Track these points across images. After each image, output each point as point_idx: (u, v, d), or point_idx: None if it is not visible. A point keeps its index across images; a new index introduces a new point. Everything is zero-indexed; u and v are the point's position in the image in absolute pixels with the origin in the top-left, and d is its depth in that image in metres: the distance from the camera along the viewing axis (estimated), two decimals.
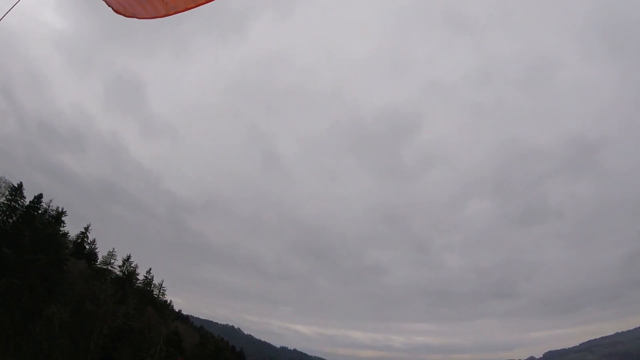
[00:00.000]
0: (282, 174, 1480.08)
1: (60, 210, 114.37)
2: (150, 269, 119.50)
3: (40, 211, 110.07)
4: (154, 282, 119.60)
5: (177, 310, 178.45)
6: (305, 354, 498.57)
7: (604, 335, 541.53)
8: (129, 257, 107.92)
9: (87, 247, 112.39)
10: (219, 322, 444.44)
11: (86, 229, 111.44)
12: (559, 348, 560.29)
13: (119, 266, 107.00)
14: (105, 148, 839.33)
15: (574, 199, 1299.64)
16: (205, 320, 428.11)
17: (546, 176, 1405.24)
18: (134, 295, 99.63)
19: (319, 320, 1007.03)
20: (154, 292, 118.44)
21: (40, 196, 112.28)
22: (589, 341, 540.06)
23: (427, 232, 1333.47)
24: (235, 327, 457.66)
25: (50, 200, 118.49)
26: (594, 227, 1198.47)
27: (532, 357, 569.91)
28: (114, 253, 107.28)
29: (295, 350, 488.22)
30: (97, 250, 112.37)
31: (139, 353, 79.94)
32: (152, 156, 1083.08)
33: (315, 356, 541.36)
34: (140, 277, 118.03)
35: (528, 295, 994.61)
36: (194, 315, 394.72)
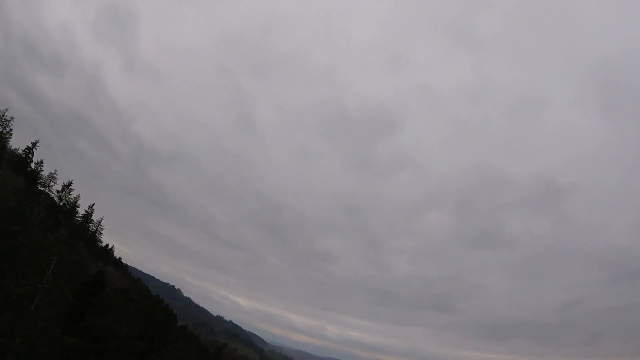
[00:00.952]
0: (254, 139, 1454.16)
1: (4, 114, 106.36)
2: (93, 204, 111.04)
3: None
4: (93, 218, 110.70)
5: (117, 257, 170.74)
6: (240, 327, 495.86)
7: None
8: (69, 183, 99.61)
9: (33, 167, 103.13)
10: (161, 280, 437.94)
11: (33, 144, 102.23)
12: None
13: (57, 191, 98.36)
14: (83, 77, 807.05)
15: (529, 234, 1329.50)
16: (147, 274, 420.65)
17: (508, 206, 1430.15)
18: (68, 227, 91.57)
19: (260, 296, 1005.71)
20: (90, 229, 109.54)
21: None
22: None
23: (383, 232, 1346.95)
24: (176, 287, 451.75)
25: (6, 109, 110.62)
26: (542, 265, 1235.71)
27: None
28: (55, 176, 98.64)
29: (230, 321, 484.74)
30: (41, 172, 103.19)
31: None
32: (128, 94, 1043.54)
33: (249, 331, 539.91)
34: (81, 211, 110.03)
35: (465, 314, 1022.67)
36: (137, 268, 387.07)
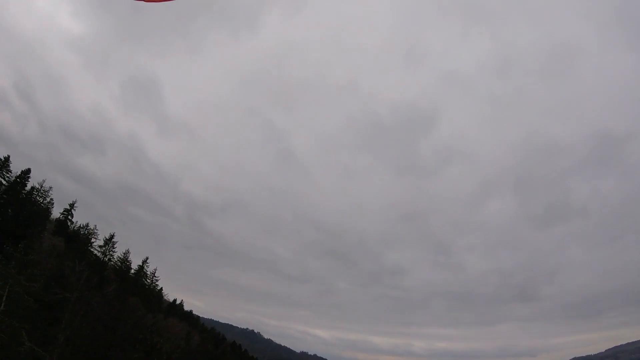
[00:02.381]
0: (298, 171, 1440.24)
1: (42, 185, 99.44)
2: (147, 258, 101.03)
3: (27, 188, 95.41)
4: (147, 272, 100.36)
5: (187, 310, 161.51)
6: None
7: (629, 341, 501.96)
8: (112, 237, 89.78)
9: (72, 227, 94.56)
10: (239, 326, 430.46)
11: (72, 205, 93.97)
12: (583, 355, 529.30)
13: (100, 246, 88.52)
14: (124, 149, 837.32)
15: (598, 196, 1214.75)
16: (224, 324, 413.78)
17: (568, 172, 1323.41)
18: (117, 282, 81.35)
19: (338, 324, 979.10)
20: (146, 283, 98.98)
21: (27, 171, 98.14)
22: (615, 347, 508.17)
23: (447, 232, 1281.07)
24: (255, 331, 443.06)
25: (44, 180, 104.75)
26: (619, 225, 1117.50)
27: None
28: (95, 231, 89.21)
29: (315, 355, 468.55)
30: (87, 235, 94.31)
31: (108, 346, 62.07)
32: (170, 156, 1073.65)
33: None
34: (134, 265, 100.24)
35: (550, 298, 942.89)
36: (213, 319, 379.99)
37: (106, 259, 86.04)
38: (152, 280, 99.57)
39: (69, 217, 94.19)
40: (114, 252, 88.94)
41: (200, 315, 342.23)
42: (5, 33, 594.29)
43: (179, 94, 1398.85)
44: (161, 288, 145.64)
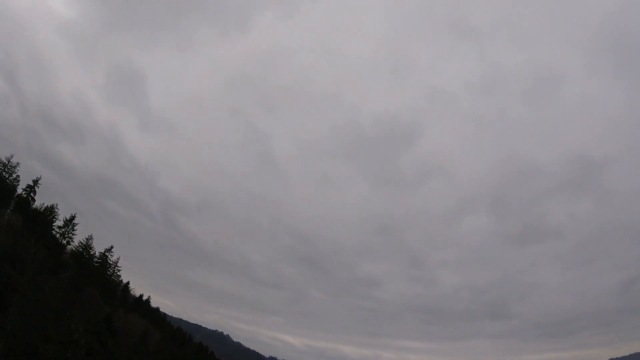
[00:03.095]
0: (278, 176, 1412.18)
1: (10, 161, 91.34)
2: (111, 247, 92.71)
3: None
4: (110, 260, 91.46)
5: (154, 307, 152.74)
6: None
7: None
8: (72, 217, 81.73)
9: (34, 205, 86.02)
10: (208, 327, 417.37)
11: (35, 182, 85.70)
12: None
13: (59, 227, 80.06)
14: (103, 140, 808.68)
15: (574, 219, 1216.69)
16: (194, 324, 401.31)
17: (546, 194, 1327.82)
18: (76, 269, 73.12)
19: (309, 332, 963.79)
20: (108, 272, 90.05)
21: None
22: None
23: (422, 246, 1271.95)
24: (225, 333, 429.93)
25: (11, 155, 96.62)
26: (593, 249, 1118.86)
27: None
28: (56, 211, 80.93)
29: None
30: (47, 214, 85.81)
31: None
32: (149, 151, 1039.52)
33: None
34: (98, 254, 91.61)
35: (522, 316, 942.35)
36: (183, 319, 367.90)
37: (64, 242, 77.57)
38: (113, 271, 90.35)
39: (31, 194, 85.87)
40: (73, 234, 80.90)
41: (169, 315, 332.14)
42: None
43: (163, 88, 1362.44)
44: (127, 282, 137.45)
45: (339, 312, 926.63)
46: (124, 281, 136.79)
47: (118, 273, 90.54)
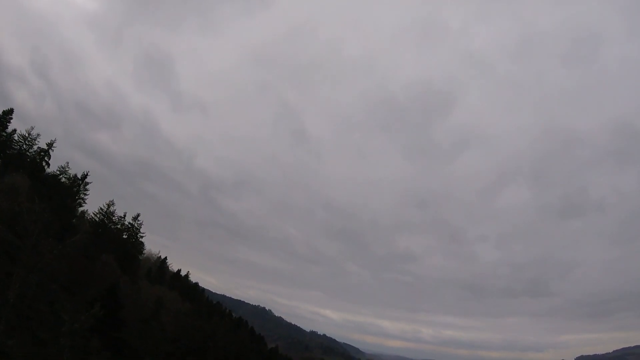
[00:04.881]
0: (311, 151, 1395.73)
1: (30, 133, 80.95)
2: (138, 215, 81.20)
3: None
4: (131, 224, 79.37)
5: (193, 282, 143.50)
6: (334, 340, 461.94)
7: (638, 344, 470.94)
8: (85, 176, 70.84)
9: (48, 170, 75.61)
10: (251, 303, 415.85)
11: (49, 145, 75.30)
12: (590, 354, 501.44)
13: (69, 187, 69.03)
14: (138, 125, 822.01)
15: (618, 193, 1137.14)
16: (236, 300, 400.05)
17: (588, 166, 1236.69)
18: (90, 235, 61.86)
19: (348, 306, 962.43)
20: (130, 238, 77.99)
21: (9, 111, 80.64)
22: (623, 349, 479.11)
23: (460, 221, 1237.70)
24: (267, 308, 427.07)
25: (32, 127, 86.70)
26: (638, 225, 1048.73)
27: None
28: (67, 169, 70.10)
29: (324, 335, 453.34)
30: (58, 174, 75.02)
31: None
32: (183, 132, 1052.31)
33: (344, 342, 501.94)
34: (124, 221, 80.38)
35: (562, 295, 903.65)
36: (226, 295, 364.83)
37: (75, 204, 66.57)
38: (135, 237, 78.18)
39: (45, 158, 75.41)
40: (85, 194, 69.97)
41: (213, 291, 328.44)
42: (20, 11, 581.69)
43: (192, 69, 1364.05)
44: (165, 257, 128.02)
45: (377, 286, 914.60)
46: (157, 254, 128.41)
47: (141, 240, 78.76)
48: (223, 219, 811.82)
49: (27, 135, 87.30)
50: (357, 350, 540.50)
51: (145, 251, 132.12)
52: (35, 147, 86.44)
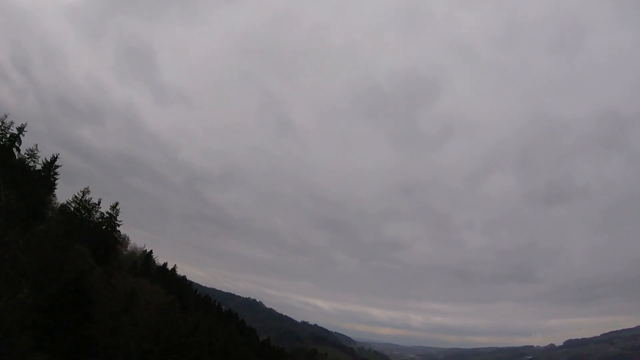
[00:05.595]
0: (296, 140, 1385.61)
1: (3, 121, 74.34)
2: (117, 203, 75.27)
3: None
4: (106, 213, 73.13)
5: (179, 275, 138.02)
6: (326, 330, 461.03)
7: (625, 328, 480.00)
8: (54, 159, 65.01)
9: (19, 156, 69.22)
10: (241, 296, 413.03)
11: (20, 129, 68.80)
12: (579, 337, 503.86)
13: (38, 172, 63.14)
14: (121, 119, 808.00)
15: (602, 180, 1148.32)
16: (226, 293, 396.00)
17: (573, 153, 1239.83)
18: (60, 223, 56.39)
19: (338, 296, 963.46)
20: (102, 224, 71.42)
21: None
22: (610, 332, 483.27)
23: (447, 208, 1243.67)
24: (257, 300, 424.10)
25: (5, 115, 79.94)
26: (622, 212, 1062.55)
27: (552, 344, 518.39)
28: (36, 152, 64.23)
29: (316, 325, 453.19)
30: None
31: None
32: (167, 125, 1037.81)
33: (335, 332, 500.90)
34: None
35: (548, 280, 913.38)
36: (216, 288, 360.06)
37: (45, 190, 60.82)
38: (111, 226, 71.67)
39: (16, 144, 69.17)
40: (56, 178, 64.23)
41: (203, 285, 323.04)
42: None
43: (173, 60, 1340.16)
44: (151, 251, 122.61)
45: (366, 275, 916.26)
46: (142, 248, 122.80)
47: (118, 229, 72.86)
48: (210, 211, 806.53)
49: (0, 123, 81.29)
50: (349, 339, 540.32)
51: (129, 245, 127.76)
52: (8, 135, 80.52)
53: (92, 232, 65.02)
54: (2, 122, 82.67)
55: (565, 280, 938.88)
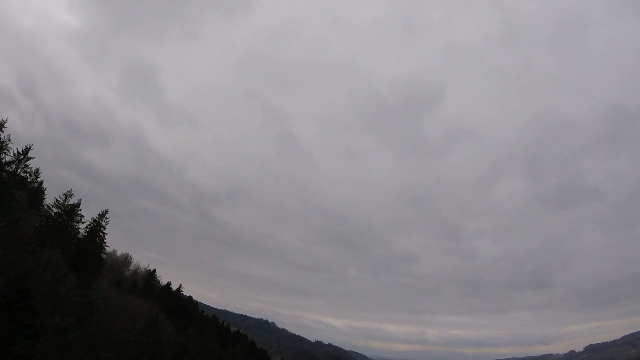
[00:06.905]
0: (301, 155, 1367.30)
1: None
2: (106, 211, 64.88)
3: None
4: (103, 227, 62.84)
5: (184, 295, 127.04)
6: (341, 349, 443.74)
7: None
8: (27, 149, 55.20)
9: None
10: (253, 317, 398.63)
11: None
12: (599, 342, 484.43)
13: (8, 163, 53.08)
14: (127, 141, 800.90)
15: (612, 177, 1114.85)
16: (238, 314, 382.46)
17: (582, 152, 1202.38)
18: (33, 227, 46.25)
19: (351, 313, 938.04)
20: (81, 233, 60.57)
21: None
22: (631, 334, 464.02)
23: (457, 216, 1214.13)
24: (270, 321, 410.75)
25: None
26: (634, 209, 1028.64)
27: (572, 351, 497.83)
28: (8, 142, 54.18)
29: (330, 344, 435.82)
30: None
31: None
32: (172, 145, 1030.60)
33: (350, 350, 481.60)
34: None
35: (564, 285, 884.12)
36: (228, 310, 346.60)
37: (11, 182, 50.57)
38: (97, 234, 60.33)
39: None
40: (27, 169, 54.44)
41: (214, 307, 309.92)
42: (4, 31, 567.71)
43: (176, 80, 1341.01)
44: (154, 270, 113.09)
45: (378, 290, 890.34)
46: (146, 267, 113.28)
47: (104, 238, 61.86)
48: (218, 231, 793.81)
49: None
50: (364, 357, 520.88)
51: (132, 264, 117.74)
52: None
53: (70, 237, 54.93)
54: None
55: (581, 283, 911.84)
